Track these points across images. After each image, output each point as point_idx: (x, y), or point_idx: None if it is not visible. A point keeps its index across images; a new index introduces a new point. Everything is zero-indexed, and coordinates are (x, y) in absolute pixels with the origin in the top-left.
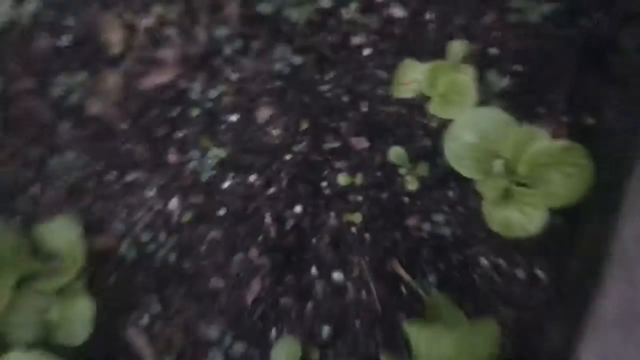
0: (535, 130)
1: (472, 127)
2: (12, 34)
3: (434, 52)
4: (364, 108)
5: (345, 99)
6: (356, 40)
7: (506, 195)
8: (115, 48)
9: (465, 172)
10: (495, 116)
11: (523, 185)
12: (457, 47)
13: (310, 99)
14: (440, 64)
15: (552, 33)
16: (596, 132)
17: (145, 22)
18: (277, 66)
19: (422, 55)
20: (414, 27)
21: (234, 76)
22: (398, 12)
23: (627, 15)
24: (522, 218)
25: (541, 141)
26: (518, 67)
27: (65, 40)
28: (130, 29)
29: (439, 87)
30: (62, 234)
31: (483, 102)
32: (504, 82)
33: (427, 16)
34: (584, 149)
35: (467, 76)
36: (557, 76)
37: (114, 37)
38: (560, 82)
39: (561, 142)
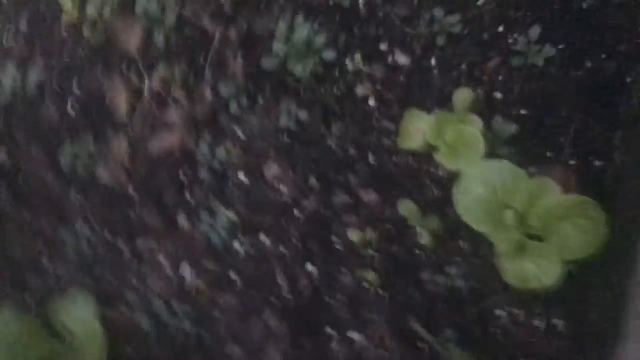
0: (545, 181)
1: (482, 180)
2: (18, 105)
3: (440, 99)
4: (372, 160)
5: (352, 151)
6: (361, 91)
7: (520, 248)
8: (122, 112)
9: (477, 226)
10: (504, 169)
11: (536, 237)
12: (463, 96)
13: (318, 154)
14: (446, 115)
15: (556, 75)
16: (605, 175)
17: (150, 83)
18: (284, 121)
19: (428, 102)
20: (418, 74)
21: (241, 134)
22: (402, 59)
23: (633, 55)
24: (538, 271)
25: (553, 195)
26: (524, 112)
27: (71, 107)
28: (136, 92)
29: (446, 137)
30: (77, 313)
31: (491, 149)
32: (511, 129)
33: (432, 62)
34: (596, 203)
35: (474, 128)
36: (563, 119)
37: (119, 101)
38: (567, 125)
39: (573, 197)
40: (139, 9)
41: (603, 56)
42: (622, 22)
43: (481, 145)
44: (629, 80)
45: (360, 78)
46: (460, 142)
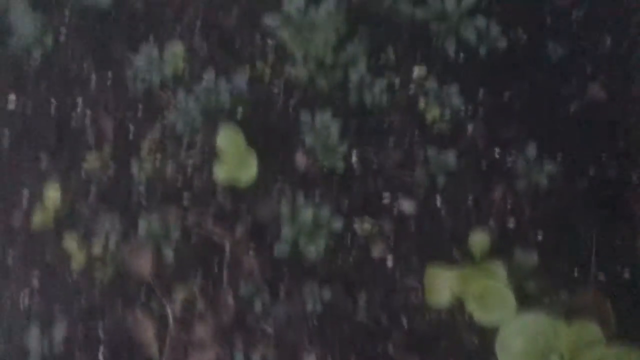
0: (585, 326)
1: (520, 335)
2: None
3: (455, 241)
4: (405, 323)
5: (383, 319)
6: (376, 252)
7: None
8: (151, 346)
9: None
10: (541, 321)
11: None
12: (479, 239)
13: (350, 331)
14: (469, 270)
15: (563, 190)
16: (636, 286)
17: (172, 307)
18: (309, 306)
19: (444, 247)
20: (427, 219)
21: (271, 330)
22: (407, 207)
23: (632, 151)
24: None
25: (594, 338)
26: (541, 236)
27: (102, 355)
28: (160, 319)
29: (474, 291)
30: None
31: (517, 285)
32: (532, 258)
33: (437, 203)
34: None
35: (500, 282)
36: (582, 234)
37: (147, 335)
38: (587, 240)
39: (619, 348)
40: (142, 231)
41: (603, 158)
42: (613, 117)
43: (511, 300)
44: (634, 178)
45: (372, 239)
46: (489, 296)
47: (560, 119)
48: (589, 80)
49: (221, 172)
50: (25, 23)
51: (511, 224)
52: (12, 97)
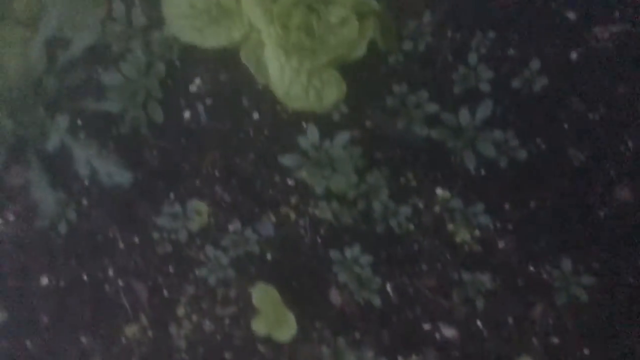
0: None
1: None
2: None
3: None
4: None
5: None
6: None
7: None
8: None
9: None
10: None
11: None
12: None
13: None
14: None
15: (604, 301)
16: None
17: None
18: None
19: None
20: (470, 344)
21: None
22: (449, 332)
23: None
24: None
25: None
26: (587, 352)
27: None
28: None
29: None
30: None
31: None
32: None
33: (479, 326)
34: None
35: None
36: (627, 345)
37: None
38: (633, 351)
39: None
40: None
41: None
42: None
43: None
44: None
45: None
46: None
47: (590, 226)
48: (614, 183)
49: (260, 328)
50: (46, 201)
51: (555, 340)
52: (44, 277)
